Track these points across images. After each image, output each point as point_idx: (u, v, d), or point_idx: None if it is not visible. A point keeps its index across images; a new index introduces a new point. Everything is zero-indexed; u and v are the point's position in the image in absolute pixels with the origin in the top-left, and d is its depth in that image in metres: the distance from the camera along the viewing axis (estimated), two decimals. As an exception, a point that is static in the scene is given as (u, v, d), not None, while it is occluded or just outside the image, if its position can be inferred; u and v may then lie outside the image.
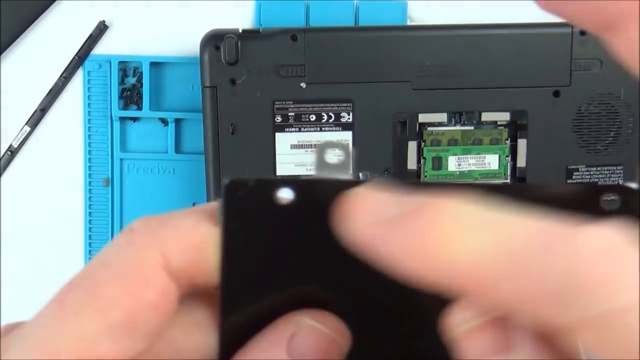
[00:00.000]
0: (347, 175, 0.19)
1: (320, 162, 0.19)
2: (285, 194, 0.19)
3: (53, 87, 0.56)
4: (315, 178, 0.19)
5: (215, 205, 0.20)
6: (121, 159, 0.56)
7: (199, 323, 0.20)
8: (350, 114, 0.51)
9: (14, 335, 0.19)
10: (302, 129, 0.52)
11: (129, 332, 0.18)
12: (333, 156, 0.19)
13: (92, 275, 0.18)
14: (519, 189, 0.18)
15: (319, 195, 0.19)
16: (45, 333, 0.18)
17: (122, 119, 0.56)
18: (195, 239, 0.19)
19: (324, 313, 0.19)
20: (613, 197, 0.18)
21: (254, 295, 0.20)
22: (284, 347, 0.18)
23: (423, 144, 0.53)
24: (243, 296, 0.20)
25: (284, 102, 0.51)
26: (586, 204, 0.18)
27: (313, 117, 0.51)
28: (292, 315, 0.19)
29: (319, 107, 0.51)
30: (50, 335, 0.18)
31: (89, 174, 0.56)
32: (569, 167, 0.52)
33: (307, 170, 0.52)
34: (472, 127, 0.53)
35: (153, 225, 0.19)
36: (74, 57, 0.55)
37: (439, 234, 0.15)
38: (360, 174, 0.52)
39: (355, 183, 0.18)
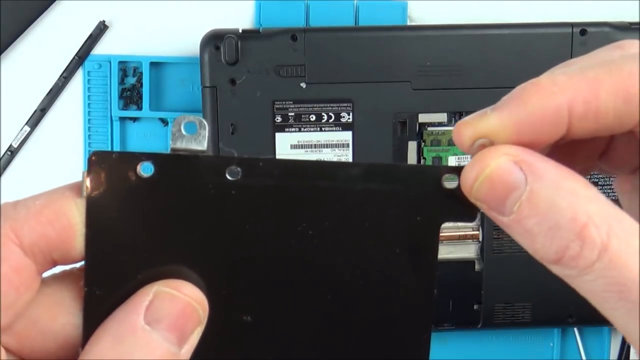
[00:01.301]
0: (203, 147, 0.19)
1: (177, 134, 0.20)
2: (145, 170, 0.20)
3: (53, 87, 0.56)
4: (174, 153, 0.20)
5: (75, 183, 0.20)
6: (121, 159, 0.56)
7: (64, 303, 0.20)
8: (350, 114, 0.51)
9: None
10: (302, 129, 0.52)
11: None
12: (189, 128, 0.20)
13: None
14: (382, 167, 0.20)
15: (181, 169, 0.19)
16: None
17: (122, 119, 0.56)
18: (47, 215, 0.20)
19: (180, 281, 0.19)
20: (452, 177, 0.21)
21: (119, 268, 0.20)
22: (141, 315, 0.19)
23: (423, 144, 0.53)
24: (108, 269, 0.20)
25: (284, 102, 0.51)
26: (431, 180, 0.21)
27: (313, 117, 0.51)
28: (150, 285, 0.19)
29: (319, 107, 0.51)
30: None
31: (89, 174, 0.56)
32: (569, 167, 0.52)
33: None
34: (472, 127, 0.53)
35: (6, 206, 0.21)
36: (74, 57, 0.55)
37: None
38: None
39: (217, 158, 0.19)
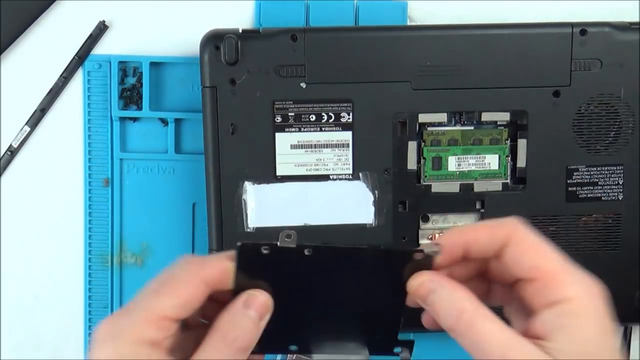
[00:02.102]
0: (294, 244, 0.34)
1: (282, 238, 0.34)
2: (265, 249, 0.35)
3: (53, 87, 0.56)
4: (282, 246, 0.35)
5: (232, 253, 0.35)
6: (121, 159, 0.56)
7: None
8: (350, 114, 0.51)
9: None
10: (302, 129, 0.52)
11: (187, 307, 0.33)
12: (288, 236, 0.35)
13: (170, 274, 0.35)
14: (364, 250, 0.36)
15: (285, 254, 0.35)
16: (137, 304, 0.33)
17: (122, 119, 0.56)
18: (220, 268, 0.34)
19: (260, 291, 0.35)
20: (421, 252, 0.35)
21: None
22: (241, 302, 0.34)
23: (423, 144, 0.53)
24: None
25: (284, 102, 0.51)
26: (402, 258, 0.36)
27: (313, 117, 0.51)
28: (246, 292, 0.35)
29: (319, 107, 0.51)
30: (142, 304, 0.33)
31: (89, 174, 0.56)
32: (569, 167, 0.52)
33: (307, 170, 0.52)
34: (472, 127, 0.53)
35: (198, 259, 0.35)
36: (74, 57, 0.55)
37: None
38: (360, 174, 0.52)
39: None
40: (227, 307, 0.33)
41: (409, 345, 0.37)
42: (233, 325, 0.33)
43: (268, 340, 0.35)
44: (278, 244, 0.34)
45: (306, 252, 0.35)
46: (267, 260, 0.35)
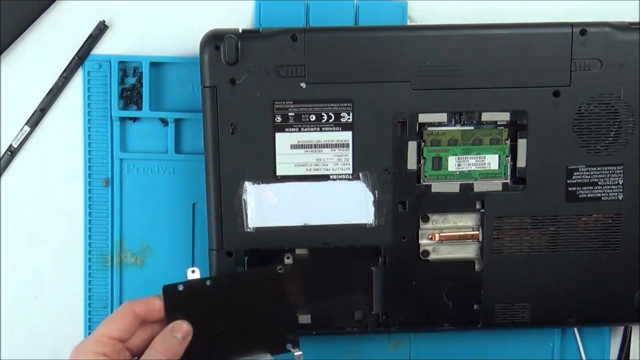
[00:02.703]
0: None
1: (189, 276, 0.49)
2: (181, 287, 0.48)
3: (53, 87, 0.56)
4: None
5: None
6: (121, 159, 0.56)
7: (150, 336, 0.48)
8: (350, 114, 0.51)
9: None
10: (302, 129, 0.52)
11: (123, 331, 0.47)
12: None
13: (114, 311, 0.48)
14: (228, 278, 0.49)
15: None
16: (93, 332, 0.47)
17: (122, 119, 0.56)
18: (146, 304, 0.48)
19: (184, 321, 0.48)
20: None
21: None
22: (170, 328, 0.48)
23: (423, 144, 0.53)
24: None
25: (284, 102, 0.51)
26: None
27: (313, 117, 0.51)
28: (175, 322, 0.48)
29: (319, 107, 0.51)
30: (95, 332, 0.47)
31: (89, 174, 0.56)
32: (569, 167, 0.52)
33: (307, 170, 0.52)
34: (472, 127, 0.53)
35: (134, 300, 0.48)
36: (74, 57, 0.55)
37: None
38: (360, 174, 0.52)
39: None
40: (161, 332, 0.47)
41: (294, 341, 0.48)
42: (164, 342, 0.47)
43: (199, 358, 0.48)
44: (187, 279, 0.48)
45: (207, 282, 0.48)
46: (185, 294, 0.48)
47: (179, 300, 0.47)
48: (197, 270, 0.48)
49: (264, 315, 0.49)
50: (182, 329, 0.47)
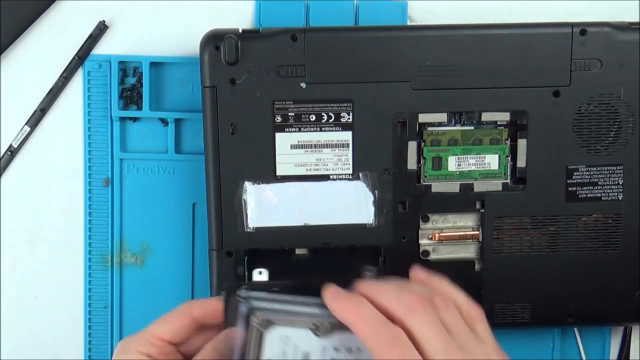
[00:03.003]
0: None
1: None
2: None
3: (53, 87, 0.56)
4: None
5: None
6: (121, 159, 0.56)
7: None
8: (350, 114, 0.51)
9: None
10: (302, 129, 0.52)
11: (176, 334, 0.41)
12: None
13: (170, 311, 0.42)
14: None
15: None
16: (142, 330, 0.42)
17: (122, 119, 0.56)
18: (206, 306, 0.42)
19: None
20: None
21: None
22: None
23: (423, 144, 0.53)
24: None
25: (284, 102, 0.51)
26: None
27: (313, 117, 0.51)
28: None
29: (319, 107, 0.51)
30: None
31: (89, 174, 0.56)
32: (569, 167, 0.52)
33: (307, 170, 0.52)
34: (472, 127, 0.53)
35: (193, 301, 0.43)
36: (74, 57, 0.55)
37: None
38: (360, 174, 0.52)
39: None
40: (214, 337, 0.41)
41: None
42: (214, 351, 0.41)
43: None
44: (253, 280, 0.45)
45: (275, 289, 0.41)
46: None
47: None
48: (264, 272, 0.44)
49: None
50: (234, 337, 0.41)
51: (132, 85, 0.56)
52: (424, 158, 0.53)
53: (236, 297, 0.41)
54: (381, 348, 0.36)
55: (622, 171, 0.53)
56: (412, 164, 0.52)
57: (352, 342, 0.39)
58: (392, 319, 0.37)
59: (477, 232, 0.53)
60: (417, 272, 0.42)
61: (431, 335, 0.36)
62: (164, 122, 0.56)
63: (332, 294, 0.39)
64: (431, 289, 0.39)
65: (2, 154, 0.56)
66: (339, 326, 0.39)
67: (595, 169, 0.53)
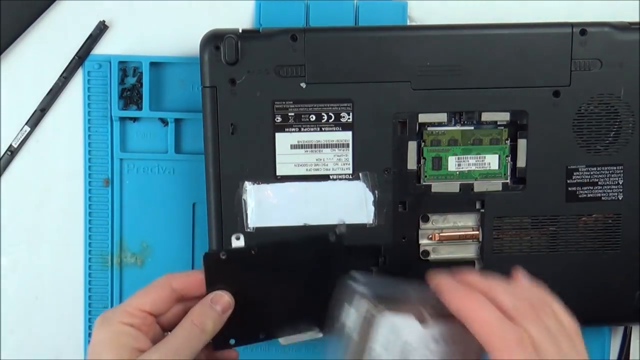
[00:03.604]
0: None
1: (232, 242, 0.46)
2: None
3: (53, 87, 0.56)
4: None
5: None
6: (121, 159, 0.56)
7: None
8: (350, 114, 0.51)
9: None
10: (302, 129, 0.52)
11: (157, 305, 0.44)
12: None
13: (149, 283, 0.45)
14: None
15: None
16: (122, 303, 0.44)
17: (122, 119, 0.56)
18: (185, 277, 0.44)
19: (224, 292, 0.44)
20: None
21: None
22: (209, 299, 0.44)
23: (423, 144, 0.53)
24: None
25: (284, 102, 0.51)
26: None
27: (313, 117, 0.51)
28: (214, 292, 0.44)
29: (319, 107, 0.51)
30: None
31: (89, 174, 0.56)
32: (569, 167, 0.52)
33: (307, 170, 0.52)
34: (472, 127, 0.53)
35: (172, 273, 0.45)
36: (74, 57, 0.55)
37: None
38: (360, 174, 0.52)
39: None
40: (199, 302, 0.43)
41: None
42: (202, 314, 0.42)
43: (241, 333, 0.44)
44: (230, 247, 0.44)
45: (252, 252, 0.44)
46: (228, 263, 0.44)
47: (220, 270, 0.44)
48: (242, 237, 0.45)
49: (313, 288, 0.45)
50: (222, 300, 0.43)
51: (132, 85, 0.56)
52: (424, 158, 0.53)
53: (217, 263, 0.43)
54: (506, 348, 0.36)
55: (622, 171, 0.53)
56: (412, 164, 0.52)
57: (450, 334, 0.39)
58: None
59: (477, 232, 0.53)
60: (520, 276, 0.42)
61: (546, 341, 0.37)
62: (164, 122, 0.56)
63: (447, 287, 0.39)
64: (536, 295, 0.40)
65: (2, 154, 0.56)
66: (440, 316, 0.39)
67: (595, 169, 0.53)
